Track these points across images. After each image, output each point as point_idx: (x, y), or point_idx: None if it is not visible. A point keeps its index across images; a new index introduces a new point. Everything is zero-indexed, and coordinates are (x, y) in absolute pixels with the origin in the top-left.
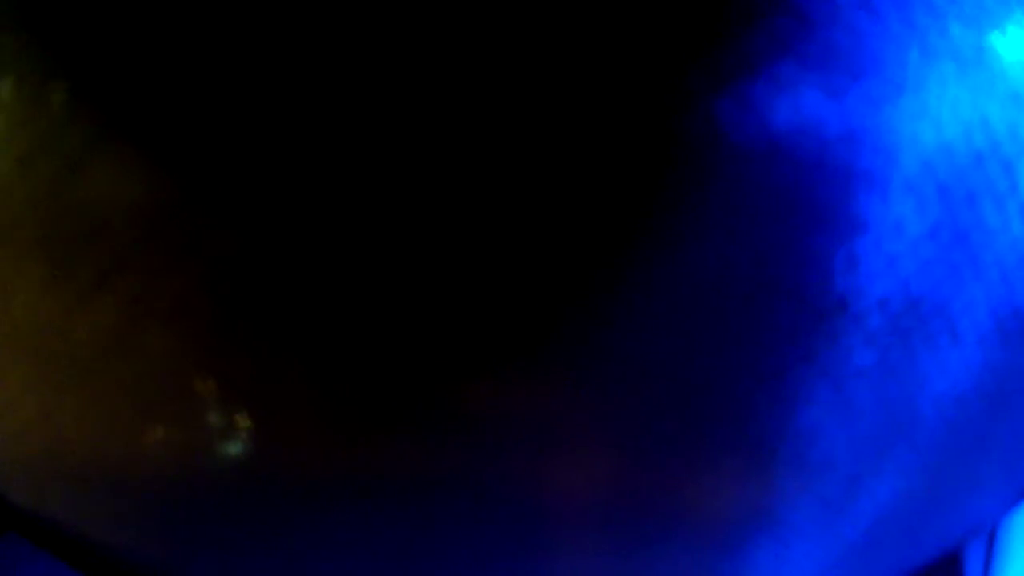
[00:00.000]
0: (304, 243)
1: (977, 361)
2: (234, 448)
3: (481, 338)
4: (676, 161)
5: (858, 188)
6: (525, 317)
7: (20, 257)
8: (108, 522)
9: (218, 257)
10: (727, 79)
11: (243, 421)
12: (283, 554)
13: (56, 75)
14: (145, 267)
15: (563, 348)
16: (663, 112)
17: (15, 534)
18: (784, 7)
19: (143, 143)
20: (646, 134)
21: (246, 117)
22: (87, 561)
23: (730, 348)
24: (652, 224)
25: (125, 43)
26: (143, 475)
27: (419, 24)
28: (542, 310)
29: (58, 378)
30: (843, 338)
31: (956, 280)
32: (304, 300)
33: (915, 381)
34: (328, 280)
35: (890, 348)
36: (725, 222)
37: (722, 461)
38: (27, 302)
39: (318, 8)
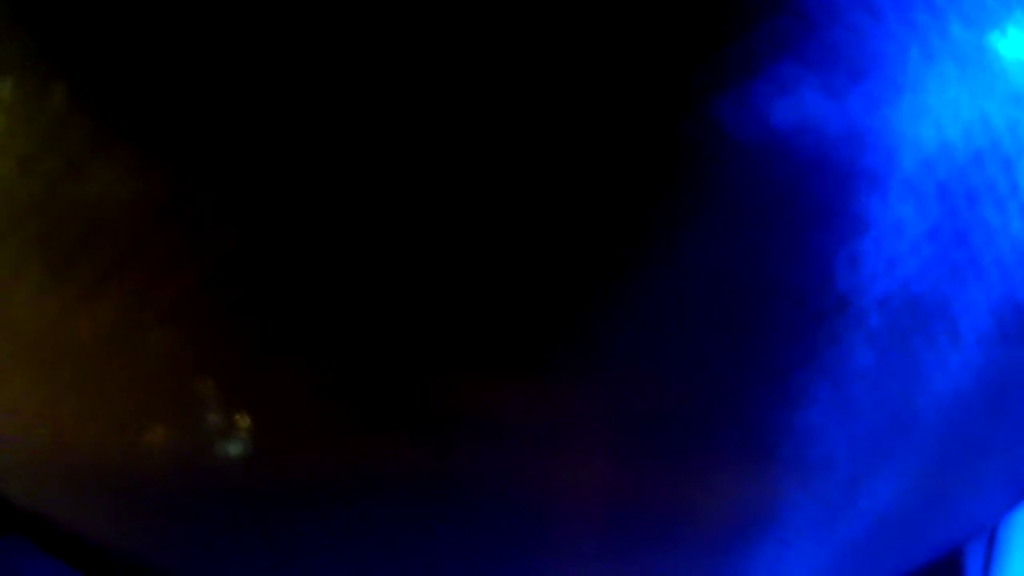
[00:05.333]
0: (306, 243)
1: (977, 361)
2: (234, 448)
3: (482, 340)
4: (677, 161)
5: (858, 188)
6: (526, 318)
7: (20, 257)
8: (108, 522)
9: (218, 257)
10: (728, 79)
11: (243, 421)
12: (284, 554)
13: (56, 75)
14: (145, 267)
15: (563, 349)
16: (664, 112)
17: (16, 534)
18: (784, 7)
19: (143, 142)
20: (647, 134)
21: (245, 117)
22: (87, 561)
23: (730, 348)
24: (653, 224)
25: (125, 43)
26: (143, 475)
27: (420, 24)
28: (542, 311)
29: (58, 378)
30: (843, 338)
31: (956, 280)
32: (305, 300)
33: (915, 381)
34: (330, 280)
35: (890, 348)
36: (726, 222)
37: (722, 461)
38: (27, 302)
39: (319, 7)
